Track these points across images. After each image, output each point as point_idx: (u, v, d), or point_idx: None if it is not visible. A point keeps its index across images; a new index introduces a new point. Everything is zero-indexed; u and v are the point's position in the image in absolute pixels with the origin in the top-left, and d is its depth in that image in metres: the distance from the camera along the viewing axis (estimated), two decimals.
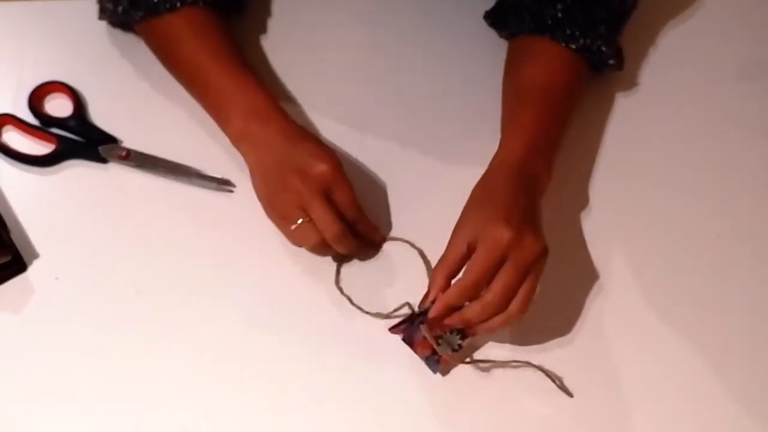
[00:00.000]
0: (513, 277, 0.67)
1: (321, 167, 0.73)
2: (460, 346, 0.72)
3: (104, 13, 0.84)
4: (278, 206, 0.74)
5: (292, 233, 0.74)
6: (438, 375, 0.74)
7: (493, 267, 0.67)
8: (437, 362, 0.72)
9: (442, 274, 0.70)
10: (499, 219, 0.68)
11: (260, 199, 0.76)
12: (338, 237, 0.74)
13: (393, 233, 0.81)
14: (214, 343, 0.76)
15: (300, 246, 0.76)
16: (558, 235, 0.80)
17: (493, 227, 0.67)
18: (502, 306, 0.68)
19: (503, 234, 0.67)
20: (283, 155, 0.74)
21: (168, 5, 0.79)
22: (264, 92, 0.78)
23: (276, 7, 0.92)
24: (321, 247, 0.75)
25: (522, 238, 0.67)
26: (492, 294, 0.68)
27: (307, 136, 0.76)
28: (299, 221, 0.73)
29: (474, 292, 0.69)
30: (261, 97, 0.77)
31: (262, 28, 0.90)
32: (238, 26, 0.87)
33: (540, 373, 0.74)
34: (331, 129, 0.86)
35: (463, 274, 0.69)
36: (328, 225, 0.73)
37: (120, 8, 0.81)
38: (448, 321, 0.70)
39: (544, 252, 0.69)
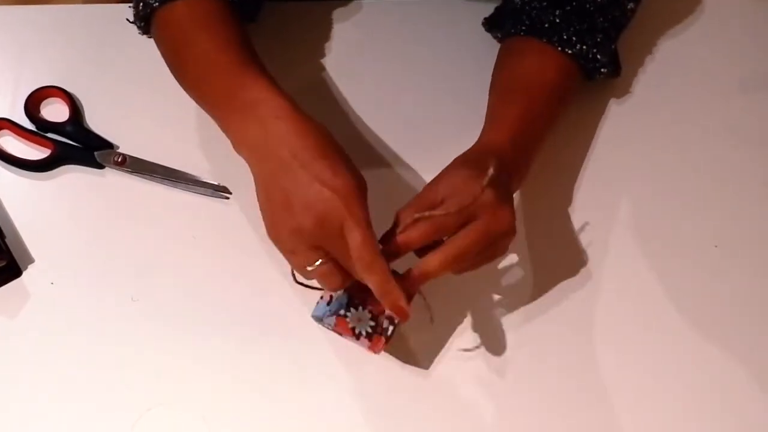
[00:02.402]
0: (477, 240, 0.66)
1: (327, 202, 0.62)
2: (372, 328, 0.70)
3: (134, 11, 0.79)
4: (285, 241, 0.65)
5: (308, 273, 0.66)
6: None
7: (462, 216, 0.65)
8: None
9: (411, 216, 0.66)
10: (480, 180, 0.65)
11: (263, 218, 0.67)
12: (339, 288, 0.66)
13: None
14: (209, 350, 0.76)
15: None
16: (553, 244, 0.81)
17: (474, 183, 0.65)
18: (456, 264, 0.66)
19: (484, 194, 0.65)
20: (287, 176, 0.63)
21: None
22: (268, 88, 0.67)
23: (276, 16, 0.92)
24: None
25: (499, 208, 0.66)
26: (455, 248, 0.66)
27: (317, 149, 0.64)
28: (317, 263, 0.65)
29: (436, 235, 0.66)
30: (264, 93, 0.67)
31: (265, 35, 0.90)
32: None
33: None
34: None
35: (430, 216, 0.66)
36: (327, 279, 0.65)
37: (140, 4, 0.77)
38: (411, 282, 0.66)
39: (512, 231, 0.68)
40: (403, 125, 0.87)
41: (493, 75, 0.84)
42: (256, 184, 0.67)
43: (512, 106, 0.77)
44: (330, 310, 0.71)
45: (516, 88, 0.79)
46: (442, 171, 0.70)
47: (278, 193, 0.64)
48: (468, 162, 0.70)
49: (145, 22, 0.78)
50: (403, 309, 0.65)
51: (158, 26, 0.77)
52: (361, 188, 0.64)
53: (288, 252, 0.66)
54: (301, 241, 0.64)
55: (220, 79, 0.71)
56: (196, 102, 0.75)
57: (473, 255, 0.67)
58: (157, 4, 0.76)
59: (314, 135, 0.65)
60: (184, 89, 0.76)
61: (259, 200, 0.67)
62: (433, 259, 0.66)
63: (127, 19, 0.80)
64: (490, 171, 0.65)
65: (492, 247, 0.68)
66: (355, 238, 0.62)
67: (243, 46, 0.73)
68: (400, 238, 0.66)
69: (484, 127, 0.77)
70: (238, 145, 0.68)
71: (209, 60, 0.72)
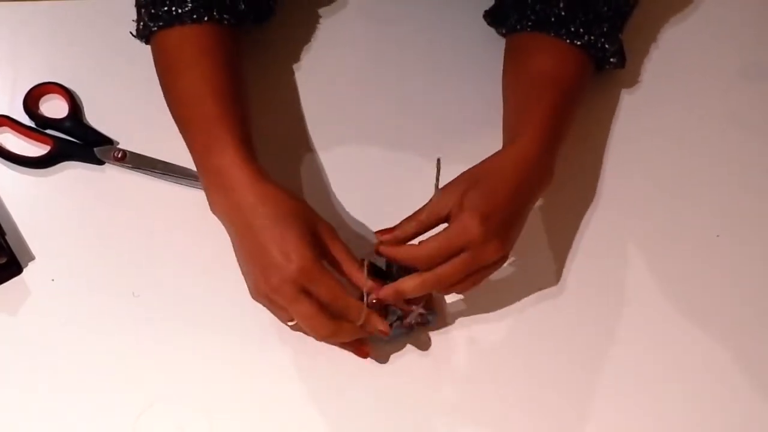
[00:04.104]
0: (461, 270, 0.69)
1: (290, 269, 0.66)
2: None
3: (136, 28, 0.81)
4: (266, 304, 0.70)
5: (295, 326, 0.71)
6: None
7: (449, 252, 0.68)
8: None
9: (414, 227, 0.70)
10: (478, 212, 0.68)
11: (245, 279, 0.71)
12: (330, 337, 0.69)
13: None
14: (211, 345, 0.75)
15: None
16: (557, 232, 0.81)
17: (469, 217, 0.68)
18: (439, 288, 0.71)
19: (474, 230, 0.67)
20: (251, 247, 0.68)
21: (193, 17, 0.76)
22: (234, 154, 0.70)
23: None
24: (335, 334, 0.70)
25: (488, 241, 0.68)
26: (434, 275, 0.69)
27: (270, 219, 0.68)
28: (293, 322, 0.69)
29: (422, 264, 0.69)
30: (228, 160, 0.70)
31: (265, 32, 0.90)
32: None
33: None
34: (331, 131, 0.86)
35: (421, 244, 0.69)
36: (315, 329, 0.68)
37: (141, 23, 0.80)
38: (382, 293, 0.69)
39: (501, 260, 0.71)
40: (402, 114, 0.87)
41: (505, 74, 0.83)
42: (233, 245, 0.72)
43: (535, 107, 0.76)
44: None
45: (535, 89, 0.78)
46: (459, 180, 0.71)
47: (248, 256, 0.69)
48: (488, 180, 0.70)
49: (145, 39, 0.81)
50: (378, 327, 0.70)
51: (155, 49, 0.80)
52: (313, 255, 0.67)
53: (274, 307, 0.70)
54: (274, 303, 0.69)
55: (195, 133, 0.74)
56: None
57: (456, 281, 0.70)
58: (155, 28, 0.78)
59: (271, 202, 0.69)
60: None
61: (238, 261, 0.71)
62: (410, 282, 0.69)
63: (131, 33, 0.81)
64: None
65: (477, 275, 0.70)
66: (325, 289, 0.67)
67: (224, 93, 0.74)
68: (389, 251, 0.70)
69: (509, 131, 0.77)
70: (211, 208, 0.73)
71: (189, 106, 0.75)
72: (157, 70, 0.79)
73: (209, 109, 0.73)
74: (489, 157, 0.73)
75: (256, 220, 0.68)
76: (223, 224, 0.73)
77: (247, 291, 0.71)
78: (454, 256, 0.68)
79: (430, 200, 0.71)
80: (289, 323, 0.70)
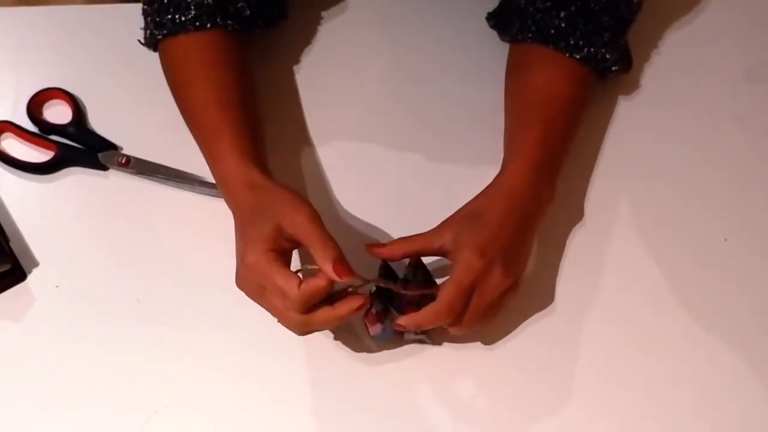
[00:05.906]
0: (476, 313, 0.69)
1: (243, 266, 0.67)
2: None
3: (144, 36, 0.82)
4: (244, 283, 0.70)
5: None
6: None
7: (465, 292, 0.68)
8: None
9: (407, 248, 0.71)
10: (474, 246, 0.68)
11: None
12: (304, 328, 0.68)
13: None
14: (216, 350, 0.75)
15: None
16: (561, 237, 0.80)
17: (468, 252, 0.68)
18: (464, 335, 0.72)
19: (475, 264, 0.67)
20: (238, 239, 0.70)
21: (196, 24, 0.77)
22: (236, 162, 0.72)
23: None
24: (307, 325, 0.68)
25: (490, 270, 0.68)
26: (455, 329, 0.70)
27: (241, 219, 0.71)
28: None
29: (447, 317, 0.68)
30: (232, 166, 0.72)
31: (272, 39, 0.90)
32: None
33: None
34: (336, 133, 0.85)
35: (439, 297, 0.68)
36: (285, 323, 0.68)
37: (148, 31, 0.80)
38: (403, 321, 0.69)
39: (510, 288, 0.70)
40: (407, 115, 0.86)
41: (506, 87, 0.83)
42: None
43: (531, 130, 0.76)
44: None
45: (532, 109, 0.78)
46: (455, 217, 0.72)
47: (237, 254, 0.70)
48: (482, 213, 0.71)
49: (153, 47, 0.81)
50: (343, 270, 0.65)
51: (163, 57, 0.80)
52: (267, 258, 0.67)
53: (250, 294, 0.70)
54: (247, 293, 0.69)
55: (202, 143, 0.76)
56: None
57: (475, 320, 0.70)
58: (160, 36, 0.78)
59: (249, 204, 0.71)
60: None
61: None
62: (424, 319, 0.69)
63: (139, 41, 0.82)
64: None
65: (491, 309, 0.70)
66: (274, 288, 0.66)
67: (228, 102, 0.76)
68: (412, 324, 0.69)
69: (504, 155, 0.77)
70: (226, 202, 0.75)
71: (197, 117, 0.77)
72: (167, 79, 0.80)
73: (213, 121, 0.75)
74: (482, 192, 0.73)
75: (237, 221, 0.71)
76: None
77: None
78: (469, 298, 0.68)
79: (425, 233, 0.71)
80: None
